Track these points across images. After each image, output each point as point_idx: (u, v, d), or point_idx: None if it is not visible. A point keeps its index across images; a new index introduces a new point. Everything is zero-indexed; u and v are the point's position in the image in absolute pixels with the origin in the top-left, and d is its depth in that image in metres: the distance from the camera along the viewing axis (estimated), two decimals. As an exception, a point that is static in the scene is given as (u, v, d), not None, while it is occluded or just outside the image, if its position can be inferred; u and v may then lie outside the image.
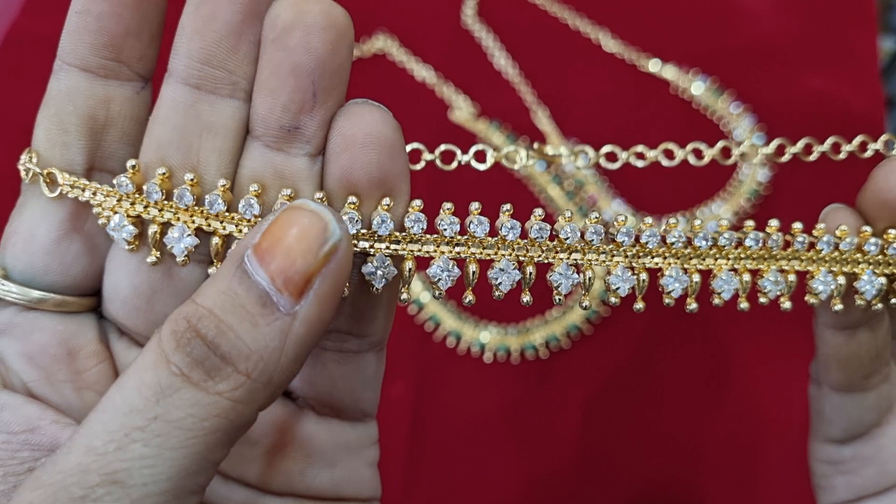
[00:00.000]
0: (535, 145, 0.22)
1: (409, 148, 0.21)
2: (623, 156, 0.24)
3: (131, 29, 0.19)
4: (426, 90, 0.51)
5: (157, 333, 0.17)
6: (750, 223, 0.21)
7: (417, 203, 0.20)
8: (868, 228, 0.21)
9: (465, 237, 0.20)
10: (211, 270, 0.20)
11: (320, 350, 0.21)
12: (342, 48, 0.18)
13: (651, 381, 0.43)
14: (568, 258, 0.20)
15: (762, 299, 0.21)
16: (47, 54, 0.22)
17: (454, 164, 0.24)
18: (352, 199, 0.19)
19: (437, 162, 0.24)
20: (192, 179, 0.20)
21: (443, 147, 0.24)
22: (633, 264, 0.21)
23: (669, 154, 0.24)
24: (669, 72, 0.52)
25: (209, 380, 0.16)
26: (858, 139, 0.23)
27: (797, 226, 0.21)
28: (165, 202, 0.20)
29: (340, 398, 0.21)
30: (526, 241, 0.20)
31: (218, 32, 0.19)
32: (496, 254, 0.20)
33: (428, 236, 0.20)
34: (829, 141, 0.24)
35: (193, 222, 0.20)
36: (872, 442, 0.24)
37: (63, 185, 0.20)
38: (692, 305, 0.21)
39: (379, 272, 0.20)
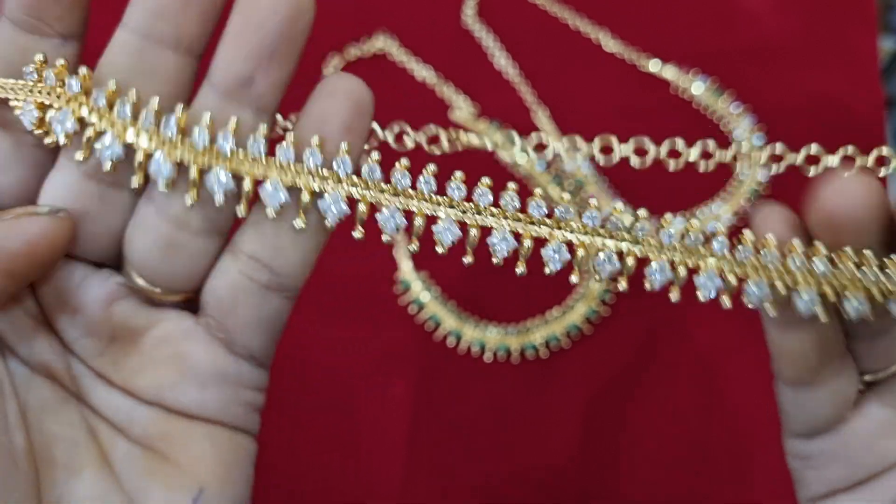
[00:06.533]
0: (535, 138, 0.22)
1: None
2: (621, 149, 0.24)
3: None
4: (426, 90, 0.52)
5: None
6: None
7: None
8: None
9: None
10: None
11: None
12: (302, 22, 0.21)
13: (651, 381, 0.43)
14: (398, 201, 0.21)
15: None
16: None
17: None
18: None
19: (391, 142, 0.25)
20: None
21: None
22: (466, 220, 0.21)
23: (674, 154, 0.24)
24: (669, 72, 0.52)
25: None
26: (875, 153, 0.22)
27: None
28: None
29: (233, 325, 0.22)
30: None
31: None
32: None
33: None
34: (841, 152, 0.23)
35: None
36: (837, 438, 0.24)
37: None
38: (520, 268, 0.21)
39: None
